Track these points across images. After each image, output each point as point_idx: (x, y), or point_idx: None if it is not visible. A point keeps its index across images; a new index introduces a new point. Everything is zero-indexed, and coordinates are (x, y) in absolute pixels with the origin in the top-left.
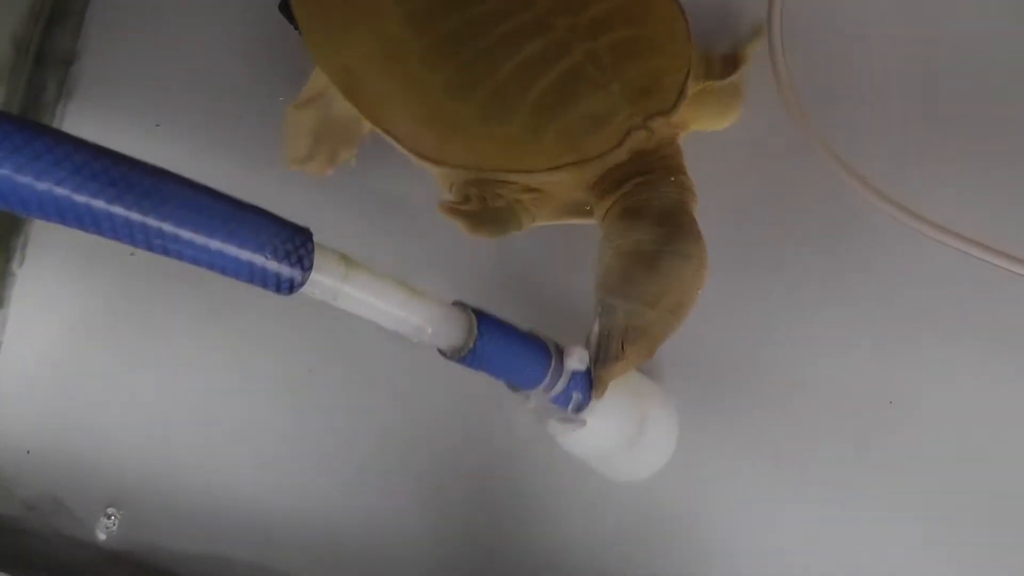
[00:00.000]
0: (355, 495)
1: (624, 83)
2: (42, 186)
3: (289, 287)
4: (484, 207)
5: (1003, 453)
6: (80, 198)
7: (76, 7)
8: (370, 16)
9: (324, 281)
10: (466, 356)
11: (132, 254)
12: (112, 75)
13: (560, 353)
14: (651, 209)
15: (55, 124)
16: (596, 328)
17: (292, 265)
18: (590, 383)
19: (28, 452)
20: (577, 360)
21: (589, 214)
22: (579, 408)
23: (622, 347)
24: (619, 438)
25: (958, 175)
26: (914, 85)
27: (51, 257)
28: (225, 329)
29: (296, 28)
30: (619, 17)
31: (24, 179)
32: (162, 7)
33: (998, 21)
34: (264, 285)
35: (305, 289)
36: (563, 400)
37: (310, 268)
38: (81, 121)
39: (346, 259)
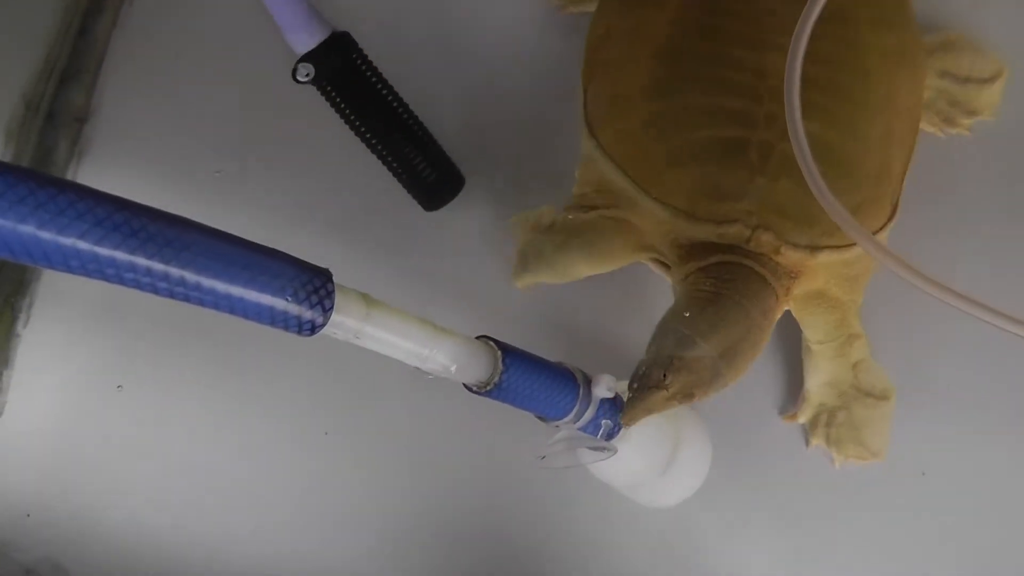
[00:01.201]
0: (372, 559)
1: (776, 186)
2: (66, 240)
3: (311, 328)
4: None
5: None
6: (103, 250)
7: (90, 64)
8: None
9: (345, 321)
10: (492, 390)
11: (139, 310)
12: (126, 133)
13: (588, 383)
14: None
15: None
16: (646, 355)
17: (313, 307)
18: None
19: (28, 515)
20: (605, 388)
21: (664, 267)
22: (610, 436)
23: (664, 376)
24: (651, 466)
25: (981, 247)
26: None
27: (56, 318)
28: (236, 390)
29: (316, 88)
30: (834, 116)
31: (47, 235)
32: (177, 65)
33: None
34: (286, 328)
35: (327, 330)
36: (593, 429)
37: (331, 309)
38: (94, 180)
39: (367, 298)
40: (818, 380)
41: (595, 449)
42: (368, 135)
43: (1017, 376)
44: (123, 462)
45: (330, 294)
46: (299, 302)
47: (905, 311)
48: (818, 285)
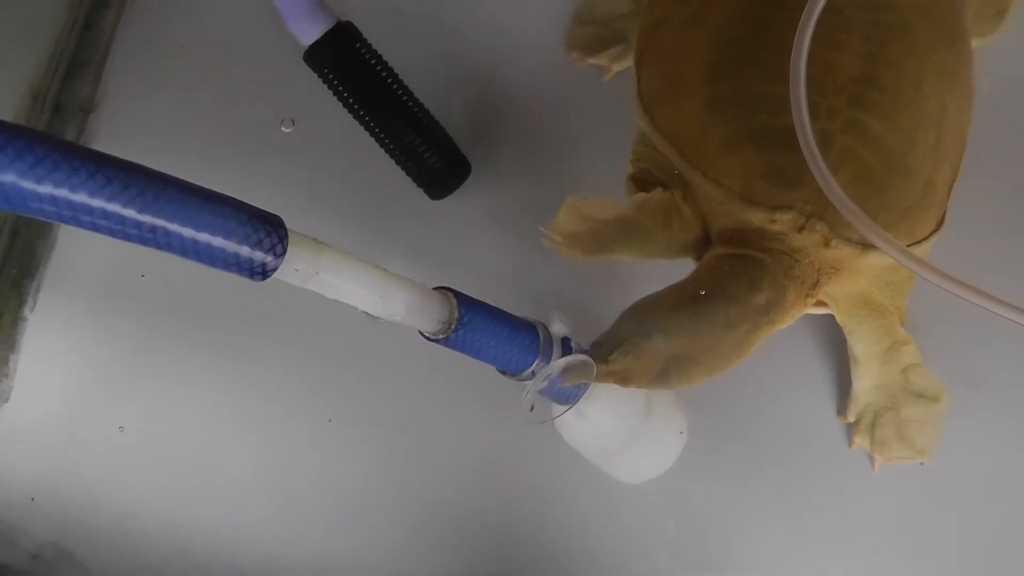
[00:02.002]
0: (375, 544)
1: (835, 179)
2: (30, 184)
3: (263, 272)
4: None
5: None
6: (61, 192)
7: (95, 57)
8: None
9: (298, 266)
10: (448, 337)
11: (144, 292)
12: (131, 124)
13: (548, 334)
14: (734, 282)
15: None
16: (612, 325)
17: (266, 250)
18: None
19: (33, 500)
20: (559, 325)
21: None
22: (575, 396)
23: (611, 351)
24: (620, 430)
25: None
26: None
27: (62, 303)
28: (240, 375)
29: (318, 75)
30: (894, 119)
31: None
32: (182, 56)
33: None
34: (239, 270)
35: (280, 274)
36: (558, 388)
37: (283, 253)
38: None
39: (318, 243)
40: (866, 384)
41: (560, 402)
42: (373, 125)
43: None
44: (128, 447)
45: (282, 239)
46: (252, 245)
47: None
48: (860, 287)
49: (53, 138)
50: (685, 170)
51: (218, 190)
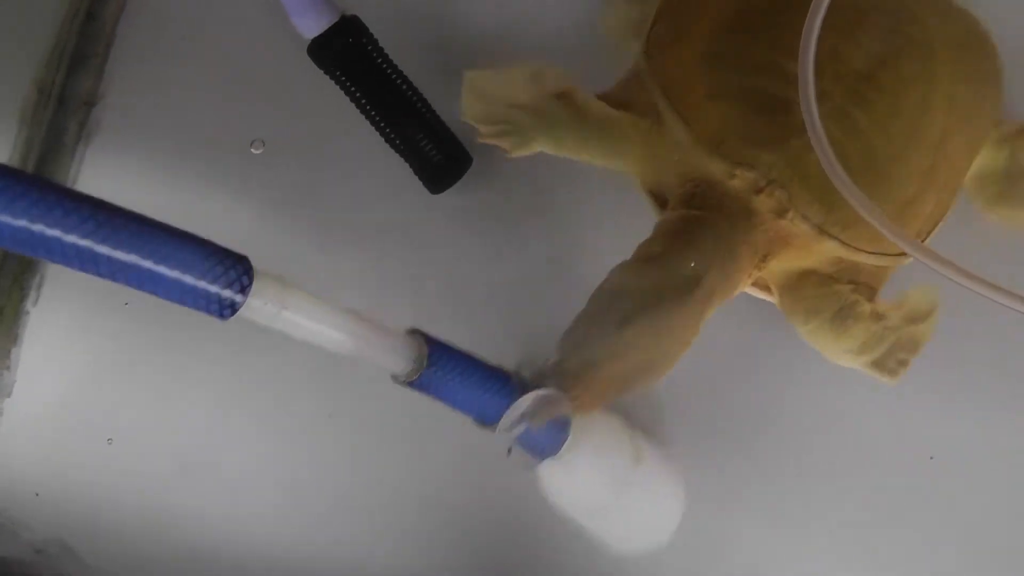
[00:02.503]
0: (375, 540)
1: (809, 156)
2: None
3: (231, 308)
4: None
5: None
6: (38, 228)
7: (98, 49)
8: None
9: (263, 305)
10: (415, 381)
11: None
12: (133, 117)
13: (524, 384)
14: (689, 243)
15: (75, 165)
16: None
17: (232, 287)
18: (563, 421)
19: (37, 494)
20: (529, 371)
21: (658, 207)
22: (557, 444)
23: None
24: (612, 477)
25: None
26: None
27: (65, 296)
28: (242, 372)
29: (322, 69)
30: (886, 123)
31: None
32: (183, 49)
33: None
34: (207, 307)
35: (244, 312)
36: (534, 439)
37: (249, 286)
38: (101, 162)
39: (284, 282)
40: (849, 348)
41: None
42: (376, 117)
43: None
44: (131, 442)
45: (248, 276)
46: (218, 282)
47: None
48: (809, 264)
49: (24, 174)
50: (665, 109)
51: (225, 181)
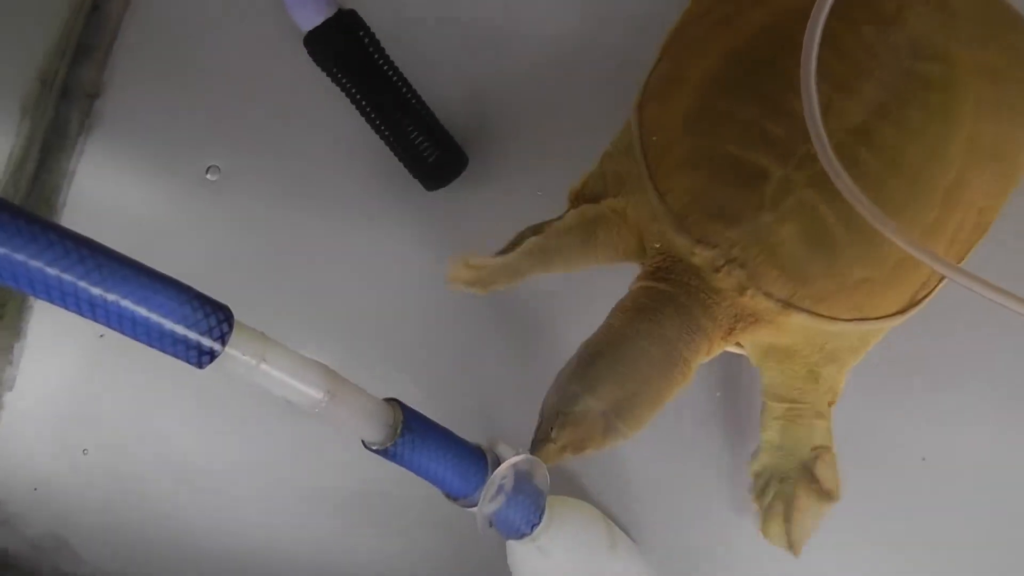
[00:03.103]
0: (376, 537)
1: (779, 228)
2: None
3: (210, 356)
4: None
5: None
6: (35, 264)
7: (102, 42)
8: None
9: (240, 356)
10: (389, 449)
11: None
12: (135, 110)
13: (497, 462)
14: (651, 317)
15: (76, 157)
16: (543, 403)
17: (215, 338)
18: (537, 500)
19: (35, 489)
20: (505, 447)
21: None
22: (532, 527)
23: (551, 430)
24: (587, 561)
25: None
26: None
27: None
28: None
29: (318, 64)
30: (883, 182)
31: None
32: (187, 44)
33: None
34: (186, 354)
35: (222, 362)
36: (508, 518)
37: (228, 334)
38: (101, 154)
39: (264, 337)
40: (771, 436)
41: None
42: (371, 113)
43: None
44: (128, 438)
45: (229, 324)
46: (197, 328)
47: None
48: (785, 342)
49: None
50: (641, 173)
51: (218, 171)
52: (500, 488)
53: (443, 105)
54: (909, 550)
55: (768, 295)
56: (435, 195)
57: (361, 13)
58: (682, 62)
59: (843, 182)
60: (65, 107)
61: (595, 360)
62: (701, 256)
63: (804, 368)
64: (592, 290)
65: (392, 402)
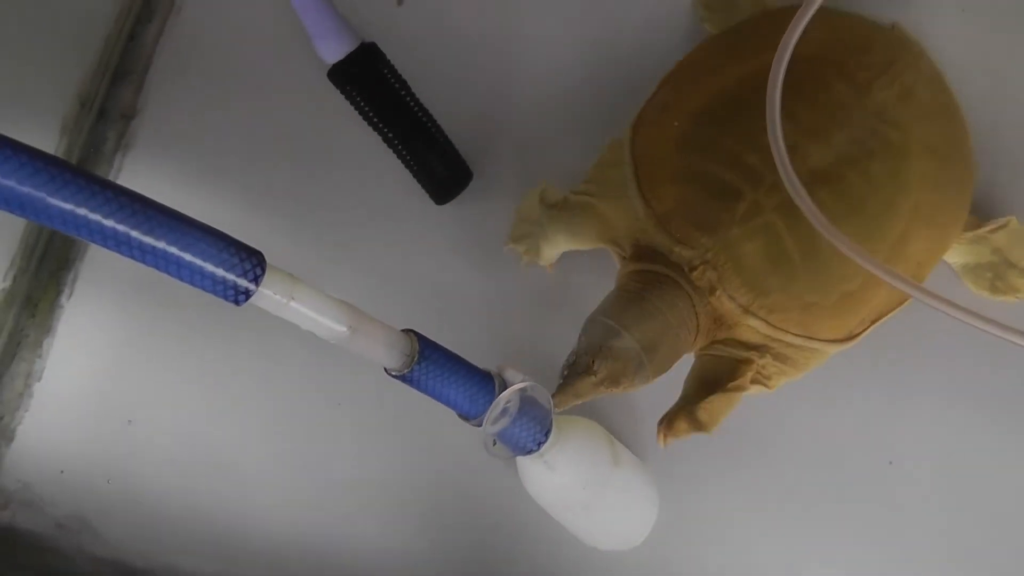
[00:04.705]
0: (389, 529)
1: (745, 244)
2: (80, 211)
3: (246, 295)
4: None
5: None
6: (83, 211)
7: (138, 66)
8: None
9: (272, 295)
10: (406, 375)
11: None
12: (170, 131)
13: (504, 385)
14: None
15: (112, 174)
16: (577, 344)
17: (250, 279)
18: (543, 421)
19: (62, 472)
20: (513, 374)
21: (621, 259)
22: (539, 444)
23: (592, 362)
24: (591, 475)
25: None
26: None
27: (97, 292)
28: (257, 364)
29: (343, 94)
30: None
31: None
32: (222, 68)
33: None
34: (223, 294)
35: (255, 300)
36: (515, 436)
37: (262, 276)
38: (137, 172)
39: (293, 277)
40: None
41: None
42: (390, 136)
43: (984, 364)
44: (150, 426)
45: (262, 267)
46: (235, 271)
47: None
48: (745, 337)
49: (76, 167)
50: (630, 183)
51: (244, 190)
52: (505, 411)
53: (453, 122)
54: (878, 554)
55: (732, 299)
56: (443, 207)
57: (380, 44)
58: (677, 96)
59: (803, 201)
60: (102, 127)
61: (630, 305)
62: (679, 255)
63: (750, 358)
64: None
65: (409, 333)
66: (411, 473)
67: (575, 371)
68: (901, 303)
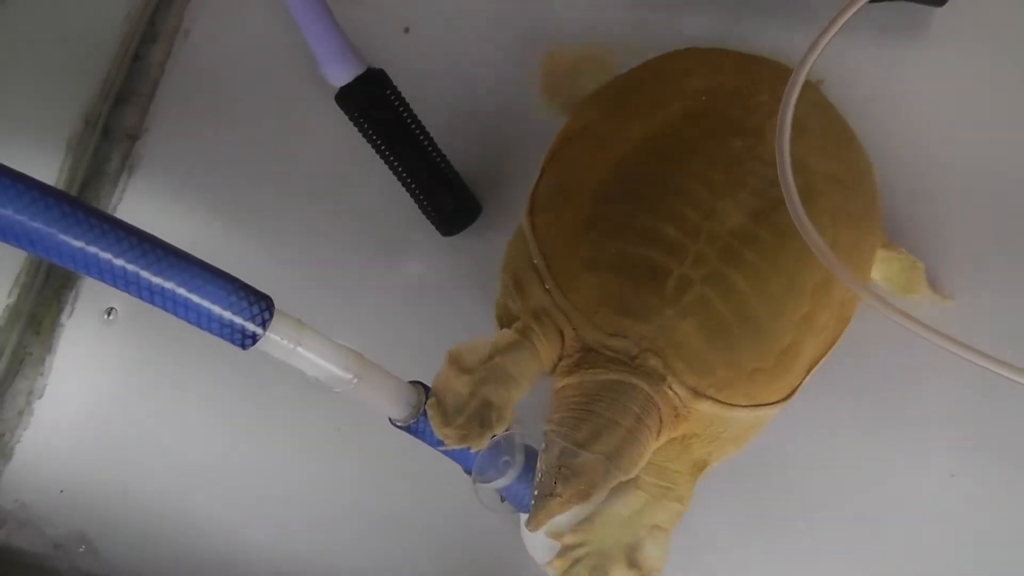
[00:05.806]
0: (388, 551)
1: (681, 324)
2: (91, 250)
3: (253, 339)
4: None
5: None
6: (104, 255)
7: (144, 88)
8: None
9: (279, 340)
10: (411, 426)
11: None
12: (174, 152)
13: (510, 443)
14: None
15: (117, 194)
16: (539, 463)
17: (257, 324)
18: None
19: (62, 491)
20: (514, 425)
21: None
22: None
23: (555, 483)
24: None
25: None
26: None
27: (97, 312)
28: (256, 385)
29: (350, 118)
30: (764, 281)
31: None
32: (228, 90)
33: None
34: (230, 338)
35: (262, 344)
36: (519, 492)
37: (269, 321)
38: (141, 192)
39: (301, 323)
40: (617, 513)
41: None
42: (396, 164)
43: (953, 386)
44: (150, 446)
45: (270, 312)
46: (242, 315)
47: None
48: (689, 430)
49: (88, 205)
50: (546, 279)
51: (248, 214)
52: (507, 463)
53: (461, 156)
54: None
55: (682, 383)
56: (450, 239)
57: (388, 71)
58: (569, 175)
59: (804, 227)
60: (107, 147)
61: (581, 424)
62: (614, 347)
63: (693, 458)
64: None
65: (416, 385)
66: (413, 500)
67: (542, 492)
68: (831, 347)
